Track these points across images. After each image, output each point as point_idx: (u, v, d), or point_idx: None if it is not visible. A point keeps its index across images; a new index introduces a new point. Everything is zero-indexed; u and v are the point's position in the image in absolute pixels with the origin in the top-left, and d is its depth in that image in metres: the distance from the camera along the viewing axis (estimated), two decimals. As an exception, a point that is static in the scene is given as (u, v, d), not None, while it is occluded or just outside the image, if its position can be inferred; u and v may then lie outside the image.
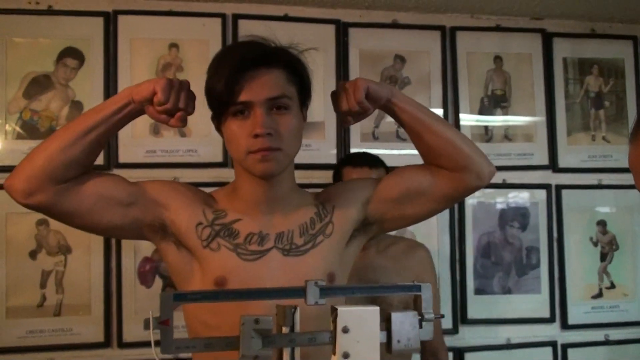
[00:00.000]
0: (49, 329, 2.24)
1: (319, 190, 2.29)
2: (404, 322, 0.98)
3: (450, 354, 2.44)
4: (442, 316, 1.02)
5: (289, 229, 1.36)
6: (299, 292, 1.01)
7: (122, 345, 2.27)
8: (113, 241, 2.30)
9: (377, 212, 1.42)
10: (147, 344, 1.09)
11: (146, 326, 0.98)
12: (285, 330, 1.02)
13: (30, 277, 2.25)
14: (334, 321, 0.99)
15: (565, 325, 2.58)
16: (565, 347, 2.56)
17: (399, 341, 0.99)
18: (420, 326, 1.00)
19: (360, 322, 0.98)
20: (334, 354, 0.99)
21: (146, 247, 2.30)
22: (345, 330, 0.98)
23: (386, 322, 1.00)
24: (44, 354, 2.22)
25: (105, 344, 2.27)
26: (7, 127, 2.30)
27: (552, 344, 2.56)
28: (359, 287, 1.01)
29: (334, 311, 1.00)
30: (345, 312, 0.98)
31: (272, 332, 0.98)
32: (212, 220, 1.35)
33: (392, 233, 2.14)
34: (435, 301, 2.08)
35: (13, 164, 2.22)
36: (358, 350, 0.97)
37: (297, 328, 1.02)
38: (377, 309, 0.99)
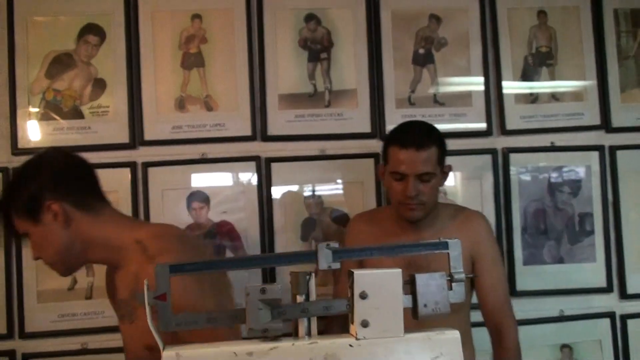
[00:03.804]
0: (80, 313, 2.19)
1: (351, 161, 2.19)
2: (429, 284, 0.86)
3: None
4: (475, 276, 0.89)
5: None
6: (310, 256, 0.90)
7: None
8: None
9: None
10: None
11: (140, 300, 0.89)
12: (300, 299, 0.91)
13: (60, 260, 2.20)
14: (351, 287, 0.88)
15: (624, 295, 2.40)
16: (625, 318, 2.39)
17: (425, 305, 0.87)
18: (450, 287, 0.87)
19: (379, 286, 0.86)
20: (352, 322, 0.88)
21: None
22: (363, 296, 0.86)
23: (410, 285, 0.88)
24: (77, 338, 2.18)
25: (138, 326, 2.20)
26: (31, 107, 2.25)
27: (610, 315, 2.38)
28: (377, 247, 0.89)
29: (350, 275, 0.89)
30: (362, 276, 0.87)
31: (281, 301, 0.88)
32: None
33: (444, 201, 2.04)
34: (499, 268, 1.92)
35: (38, 145, 2.22)
36: (378, 317, 0.86)
37: (313, 296, 0.91)
38: (398, 271, 0.87)
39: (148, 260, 1.38)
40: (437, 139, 1.86)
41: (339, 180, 2.33)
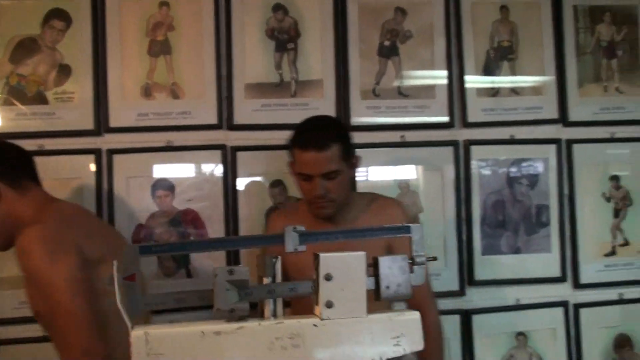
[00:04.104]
0: (42, 299, 2.18)
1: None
2: (392, 267, 0.90)
3: (457, 317, 2.37)
4: (435, 258, 0.93)
5: None
6: (277, 239, 0.93)
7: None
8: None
9: None
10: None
11: (109, 282, 0.91)
12: (266, 281, 0.94)
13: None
14: (316, 268, 0.91)
15: (577, 285, 2.48)
16: (578, 306, 2.47)
17: (388, 287, 0.90)
18: (411, 270, 0.91)
19: (344, 268, 0.89)
20: (317, 303, 0.91)
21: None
22: (328, 277, 0.90)
23: (373, 268, 0.91)
24: (38, 325, 2.15)
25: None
26: (-7, 93, 2.23)
27: (564, 304, 2.46)
28: (343, 231, 0.93)
29: (315, 258, 0.92)
30: (327, 258, 0.90)
31: (248, 283, 0.90)
32: None
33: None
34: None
35: (0, 131, 2.19)
36: (343, 298, 0.89)
37: (279, 278, 0.94)
38: (363, 253, 0.90)
39: (25, 228, 1.58)
40: (338, 135, 1.85)
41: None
